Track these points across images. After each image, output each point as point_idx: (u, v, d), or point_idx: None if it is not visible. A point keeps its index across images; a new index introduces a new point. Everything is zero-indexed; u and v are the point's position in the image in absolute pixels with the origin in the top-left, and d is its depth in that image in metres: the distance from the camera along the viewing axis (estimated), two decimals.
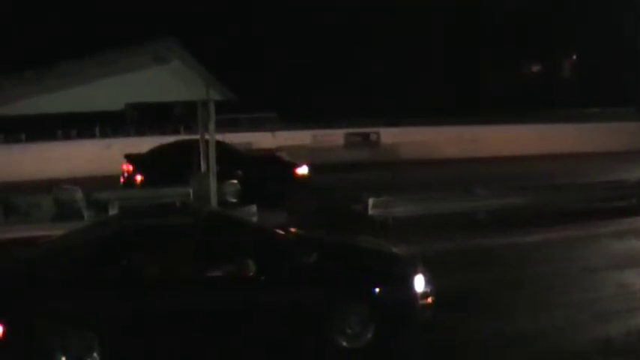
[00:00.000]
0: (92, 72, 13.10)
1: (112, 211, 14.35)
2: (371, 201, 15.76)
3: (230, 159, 17.44)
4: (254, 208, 14.48)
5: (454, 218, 16.01)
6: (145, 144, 20.68)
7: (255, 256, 8.61)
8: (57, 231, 10.87)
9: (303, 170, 19.22)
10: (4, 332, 7.91)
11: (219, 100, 14.41)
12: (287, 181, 18.51)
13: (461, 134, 30.93)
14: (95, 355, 8.15)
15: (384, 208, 15.84)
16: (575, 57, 49.18)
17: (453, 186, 18.38)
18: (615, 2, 40.24)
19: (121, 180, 18.63)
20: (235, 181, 16.08)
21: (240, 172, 17.39)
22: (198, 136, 16.15)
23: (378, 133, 30.58)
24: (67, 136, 27.98)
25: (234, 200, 15.44)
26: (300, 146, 27.23)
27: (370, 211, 15.74)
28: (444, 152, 29.22)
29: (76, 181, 16.20)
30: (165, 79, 13.45)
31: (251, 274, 8.50)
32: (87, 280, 8.39)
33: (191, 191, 14.80)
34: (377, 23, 41.76)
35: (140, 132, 29.06)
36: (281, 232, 10.27)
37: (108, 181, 18.51)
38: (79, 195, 14.84)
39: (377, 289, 9.02)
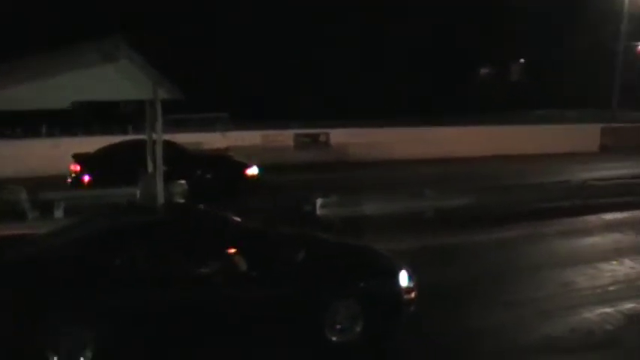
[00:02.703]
0: (38, 69, 12.84)
1: (58, 212, 14.16)
2: (319, 201, 15.80)
3: (179, 159, 17.34)
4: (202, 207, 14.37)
5: (402, 219, 16.07)
6: (93, 143, 20.46)
7: (246, 252, 8.63)
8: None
9: (252, 170, 19.20)
10: None
11: (167, 100, 14.26)
12: (236, 181, 18.47)
13: (411, 135, 31.19)
14: (88, 353, 8.01)
15: (332, 209, 15.88)
16: (522, 61, 50.00)
17: (402, 187, 18.49)
18: (562, 11, 41.11)
19: (69, 180, 18.39)
20: (183, 182, 15.95)
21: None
22: (146, 136, 16.00)
23: (327, 134, 30.67)
24: (12, 135, 27.51)
25: (182, 200, 15.32)
26: (250, 147, 27.17)
27: (318, 212, 15.77)
28: (395, 153, 29.38)
29: (22, 181, 15.94)
30: (113, 78, 13.24)
31: (243, 269, 8.52)
32: (79, 278, 8.23)
33: (138, 191, 14.64)
34: (331, 24, 41.94)
35: (88, 131, 28.72)
36: (267, 228, 10.33)
37: (55, 181, 18.24)
38: (23, 195, 14.61)
39: (365, 285, 9.15)
